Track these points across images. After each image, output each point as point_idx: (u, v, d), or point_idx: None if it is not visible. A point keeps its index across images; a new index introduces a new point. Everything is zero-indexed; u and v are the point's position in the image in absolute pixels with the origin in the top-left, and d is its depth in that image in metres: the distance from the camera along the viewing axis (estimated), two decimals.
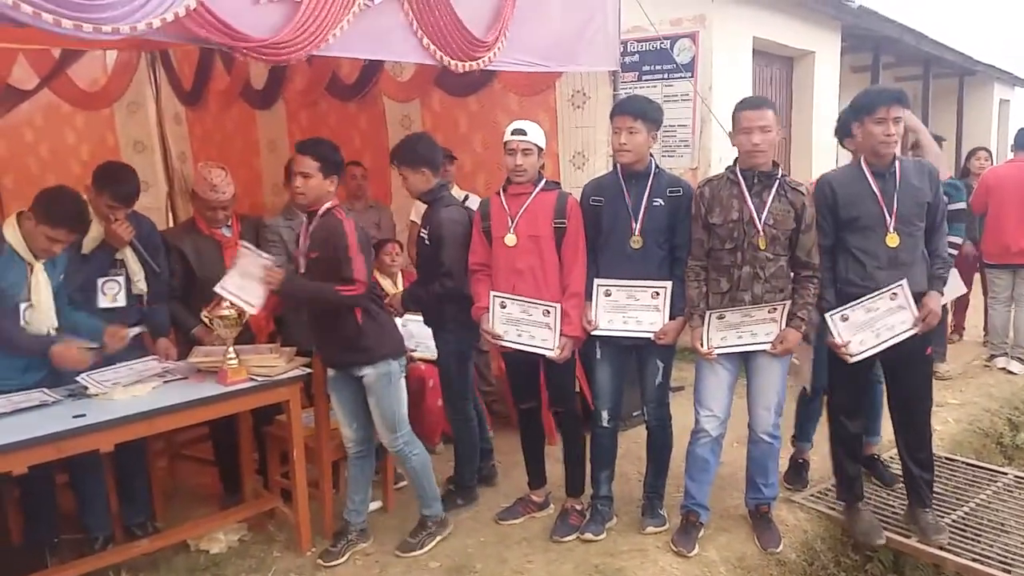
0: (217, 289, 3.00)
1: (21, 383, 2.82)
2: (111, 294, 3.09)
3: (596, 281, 3.11)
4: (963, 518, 3.39)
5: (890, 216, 2.96)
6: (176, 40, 2.64)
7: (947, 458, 3.98)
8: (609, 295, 3.10)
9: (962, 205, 4.83)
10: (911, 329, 2.98)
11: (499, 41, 3.49)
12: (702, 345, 3.03)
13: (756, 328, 3.02)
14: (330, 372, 3.12)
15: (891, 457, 3.93)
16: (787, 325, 3.01)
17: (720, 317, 2.99)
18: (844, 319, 2.99)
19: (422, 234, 3.38)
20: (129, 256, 3.13)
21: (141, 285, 3.15)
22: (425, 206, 3.48)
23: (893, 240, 2.96)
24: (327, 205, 2.95)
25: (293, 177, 2.94)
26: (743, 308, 2.98)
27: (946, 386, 4.99)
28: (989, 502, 3.53)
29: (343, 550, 3.15)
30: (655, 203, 3.07)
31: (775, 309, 2.98)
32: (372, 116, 5.17)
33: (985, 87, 12.81)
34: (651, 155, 3.15)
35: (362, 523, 3.25)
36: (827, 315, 3.00)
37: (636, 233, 3.06)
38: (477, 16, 3.41)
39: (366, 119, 5.23)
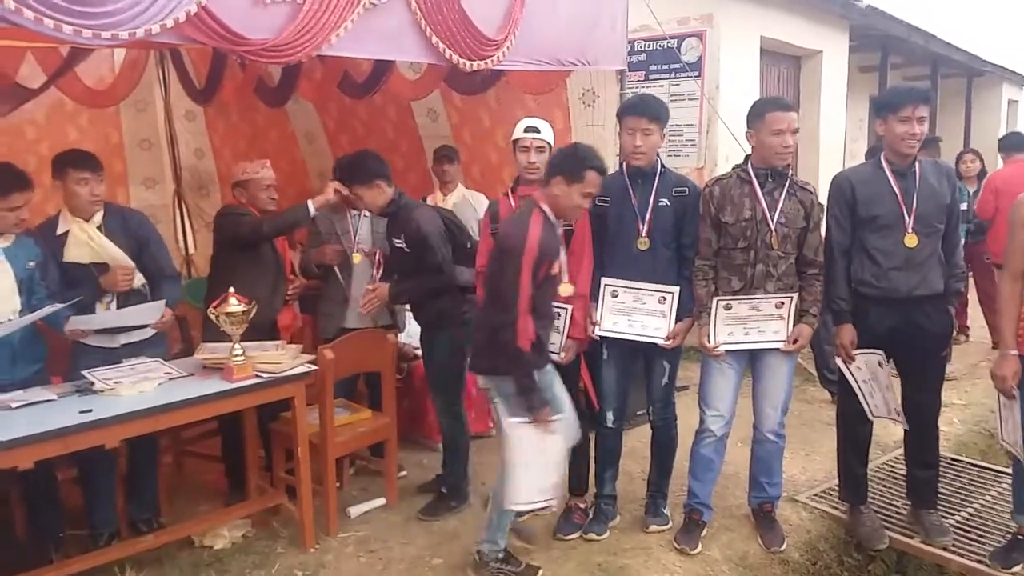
0: None
1: (12, 377, 2.82)
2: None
3: (604, 280, 3.10)
4: (967, 519, 3.38)
5: (909, 216, 2.93)
6: (177, 43, 2.66)
7: (952, 459, 3.98)
8: (616, 296, 3.09)
9: (963, 206, 4.83)
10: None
11: (508, 40, 3.49)
12: (709, 341, 3.01)
13: (763, 325, 3.01)
14: None
15: (896, 459, 3.93)
16: (801, 322, 3.01)
17: (727, 308, 2.98)
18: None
19: (396, 244, 3.35)
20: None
21: (137, 280, 3.13)
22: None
23: (911, 240, 2.93)
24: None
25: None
26: (750, 300, 2.97)
27: (952, 387, 4.96)
28: (994, 503, 3.52)
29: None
30: (661, 203, 3.06)
31: (782, 304, 2.98)
32: (399, 108, 5.19)
33: (994, 88, 12.74)
34: (657, 155, 3.15)
35: None
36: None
37: (643, 234, 3.05)
38: (486, 15, 3.42)
39: (394, 111, 5.25)
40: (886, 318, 3.00)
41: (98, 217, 3.08)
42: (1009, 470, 3.78)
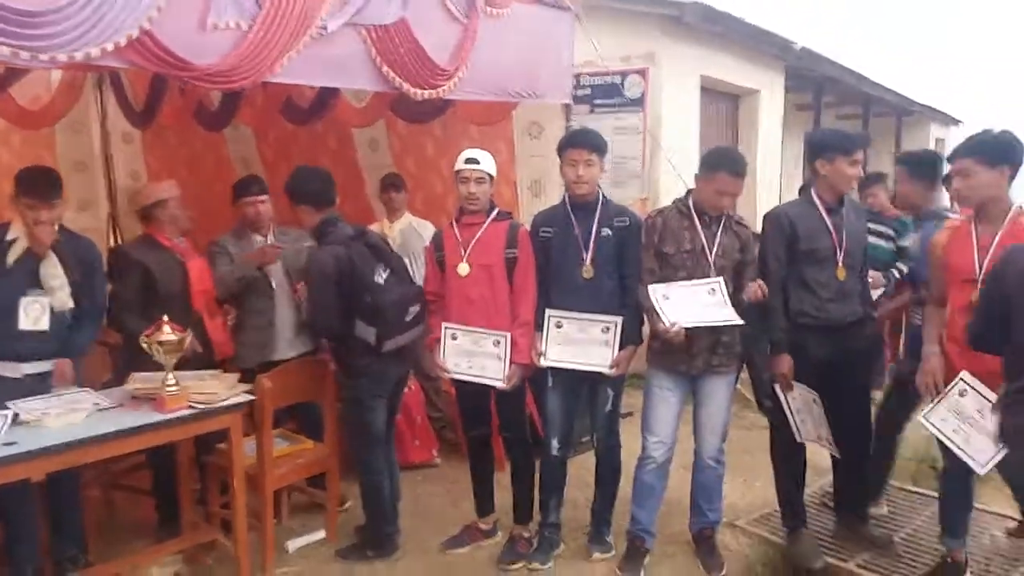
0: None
1: None
2: (33, 316, 2.94)
3: (548, 311, 3.14)
4: (900, 543, 3.48)
5: (840, 251, 3.09)
6: (118, 66, 2.62)
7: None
8: (560, 327, 3.13)
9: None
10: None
11: (460, 70, 3.54)
12: (662, 322, 2.95)
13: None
14: None
15: (830, 483, 4.02)
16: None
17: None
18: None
19: None
20: (52, 269, 2.97)
21: (59, 303, 2.99)
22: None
23: (842, 273, 3.08)
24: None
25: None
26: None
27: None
28: (924, 527, 3.63)
29: None
30: (604, 233, 3.13)
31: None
32: (340, 137, 5.17)
33: (922, 126, 13.44)
34: (598, 186, 3.21)
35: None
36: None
37: (587, 263, 3.11)
38: (437, 45, 3.46)
39: (335, 139, 5.22)
40: (824, 346, 3.12)
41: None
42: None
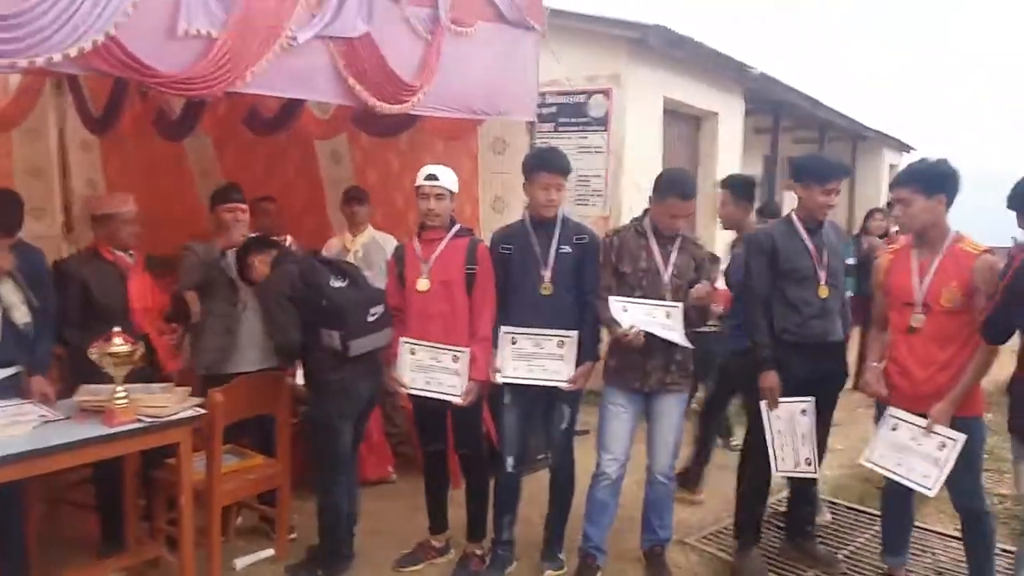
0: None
1: None
2: None
3: (503, 328, 3.16)
4: (844, 560, 3.56)
5: (822, 270, 3.17)
6: (81, 72, 2.60)
7: (830, 502, 4.19)
8: (515, 343, 3.16)
9: (851, 261, 5.18)
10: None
11: (425, 87, 3.57)
12: (619, 327, 3.02)
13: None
14: None
15: (778, 501, 4.10)
16: None
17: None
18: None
19: None
20: (7, 288, 2.92)
21: (20, 316, 2.94)
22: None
23: (824, 292, 3.16)
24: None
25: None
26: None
27: (832, 432, 5.22)
28: (868, 544, 3.72)
29: None
30: (563, 250, 3.17)
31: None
32: (303, 149, 5.15)
33: (876, 152, 13.83)
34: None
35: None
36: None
37: (547, 280, 3.15)
38: (402, 61, 3.49)
39: (297, 151, 5.20)
40: (807, 363, 3.16)
41: None
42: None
